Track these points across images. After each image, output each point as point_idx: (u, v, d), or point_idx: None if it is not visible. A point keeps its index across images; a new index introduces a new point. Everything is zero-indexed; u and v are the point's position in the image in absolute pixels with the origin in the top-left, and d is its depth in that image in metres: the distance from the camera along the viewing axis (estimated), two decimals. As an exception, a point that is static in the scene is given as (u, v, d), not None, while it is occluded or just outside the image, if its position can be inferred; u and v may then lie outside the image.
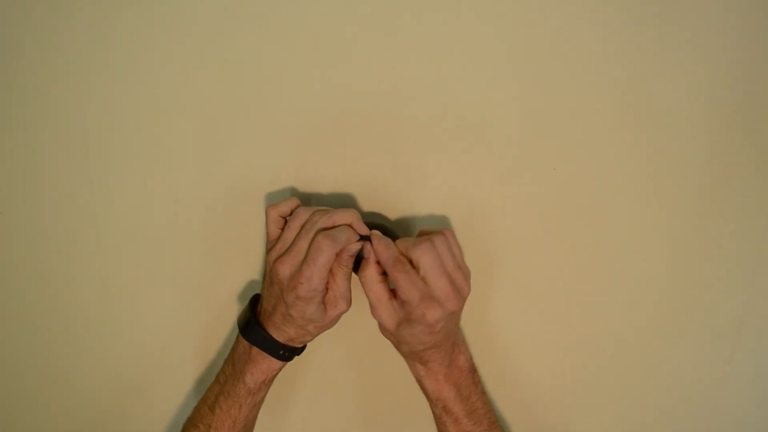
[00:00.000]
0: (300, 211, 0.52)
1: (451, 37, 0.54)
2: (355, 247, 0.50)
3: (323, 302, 0.50)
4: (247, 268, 0.61)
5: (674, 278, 0.60)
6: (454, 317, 0.50)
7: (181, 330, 0.64)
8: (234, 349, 0.56)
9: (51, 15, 0.55)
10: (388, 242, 0.50)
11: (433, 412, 0.56)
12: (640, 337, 0.62)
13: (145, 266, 0.61)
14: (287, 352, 0.53)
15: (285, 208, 0.53)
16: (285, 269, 0.49)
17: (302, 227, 0.50)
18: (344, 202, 0.59)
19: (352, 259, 0.50)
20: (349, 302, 0.51)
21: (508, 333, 0.62)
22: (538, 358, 0.63)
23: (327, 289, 0.50)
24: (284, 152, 0.58)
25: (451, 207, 0.59)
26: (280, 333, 0.52)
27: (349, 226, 0.50)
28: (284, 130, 0.57)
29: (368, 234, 0.51)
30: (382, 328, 0.52)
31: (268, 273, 0.52)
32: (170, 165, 0.58)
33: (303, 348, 0.56)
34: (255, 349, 0.53)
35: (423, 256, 0.48)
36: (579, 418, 0.65)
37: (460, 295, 0.50)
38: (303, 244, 0.49)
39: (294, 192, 0.59)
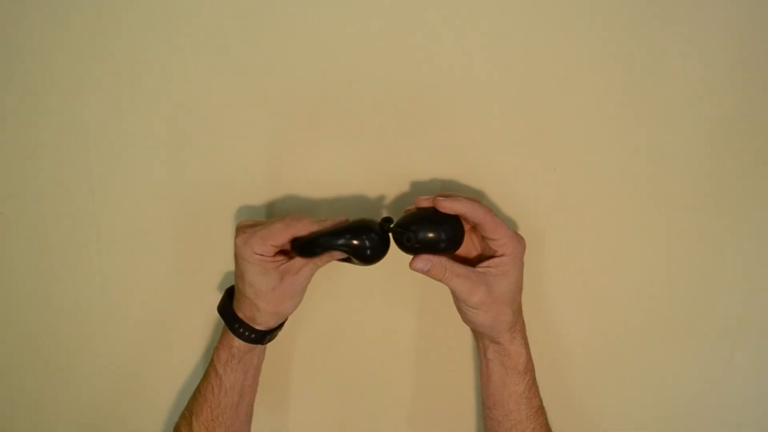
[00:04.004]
0: None
1: (452, 38, 0.54)
2: (335, 255, 0.50)
3: (265, 268, 0.50)
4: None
5: (674, 278, 0.60)
6: None
7: (182, 326, 0.64)
8: None
9: (50, 15, 0.55)
10: (461, 200, 0.50)
11: (511, 395, 0.54)
12: (639, 338, 0.62)
13: (145, 265, 0.61)
14: (242, 328, 0.53)
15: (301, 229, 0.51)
16: (243, 222, 0.53)
17: None
18: (340, 196, 0.59)
19: (327, 262, 0.51)
20: (301, 285, 0.52)
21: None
22: (534, 357, 0.63)
23: (284, 259, 0.51)
24: (284, 146, 0.58)
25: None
26: (237, 305, 0.53)
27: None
28: (282, 125, 0.57)
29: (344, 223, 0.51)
30: (479, 311, 0.51)
31: None
32: (170, 162, 0.58)
33: (263, 336, 0.54)
34: (223, 326, 0.54)
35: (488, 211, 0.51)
36: (578, 418, 0.65)
37: None
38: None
39: (299, 191, 0.59)
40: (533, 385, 0.55)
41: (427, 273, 0.50)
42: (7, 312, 0.63)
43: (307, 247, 0.51)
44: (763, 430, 0.65)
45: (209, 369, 0.55)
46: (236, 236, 0.51)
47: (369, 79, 0.56)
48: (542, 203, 0.59)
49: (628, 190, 0.58)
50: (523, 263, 0.53)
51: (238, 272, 0.52)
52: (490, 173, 0.58)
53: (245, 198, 0.59)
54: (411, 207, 0.53)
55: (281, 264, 0.51)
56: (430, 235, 0.50)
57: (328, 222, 0.51)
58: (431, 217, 0.50)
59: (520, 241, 0.52)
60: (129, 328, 0.63)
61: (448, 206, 0.50)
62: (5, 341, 0.64)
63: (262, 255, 0.50)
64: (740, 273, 0.60)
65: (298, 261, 0.51)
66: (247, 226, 0.52)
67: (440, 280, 0.51)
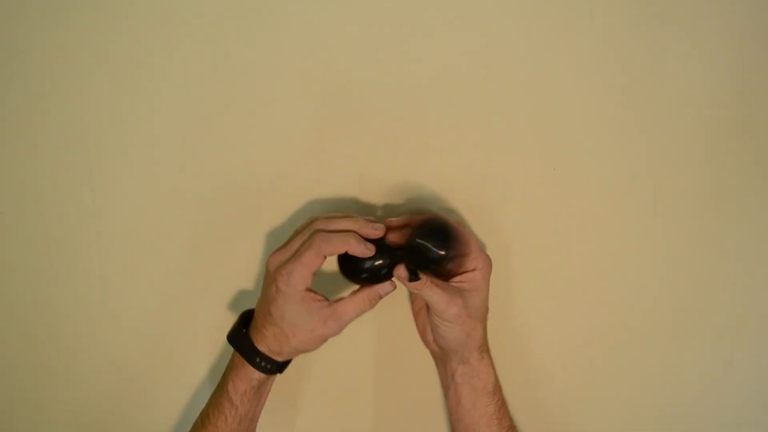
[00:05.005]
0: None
1: (452, 37, 0.54)
2: (387, 289, 0.51)
3: (310, 308, 0.49)
4: (251, 267, 0.61)
5: (674, 278, 0.60)
6: None
7: (182, 327, 0.64)
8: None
9: (50, 15, 0.55)
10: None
11: (482, 417, 0.54)
12: (639, 338, 0.62)
13: (146, 266, 0.61)
14: (263, 362, 0.51)
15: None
16: (274, 261, 0.50)
17: (302, 230, 0.51)
18: (343, 197, 0.59)
19: (378, 300, 0.51)
20: (340, 330, 0.51)
21: (504, 333, 0.62)
22: (532, 359, 0.63)
23: (330, 303, 0.50)
24: (285, 147, 0.58)
25: (450, 207, 0.59)
26: (260, 338, 0.51)
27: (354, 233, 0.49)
28: (284, 127, 0.57)
29: (380, 236, 0.50)
30: (454, 325, 0.51)
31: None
32: (171, 165, 0.58)
33: (284, 365, 0.53)
34: (237, 356, 0.52)
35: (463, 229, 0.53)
36: (578, 418, 0.65)
37: None
38: (296, 243, 0.50)
39: (299, 191, 0.59)
40: (503, 405, 0.55)
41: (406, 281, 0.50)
42: (7, 312, 0.63)
43: (353, 273, 0.51)
44: (763, 430, 0.65)
45: (222, 399, 0.52)
46: (276, 280, 0.49)
47: (369, 80, 0.56)
48: (542, 203, 0.59)
49: (628, 190, 0.58)
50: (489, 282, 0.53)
51: (277, 312, 0.49)
52: (490, 173, 0.58)
53: (246, 198, 0.59)
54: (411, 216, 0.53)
55: (325, 307, 0.50)
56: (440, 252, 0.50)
57: (356, 240, 0.49)
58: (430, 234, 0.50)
59: (488, 258, 0.53)
60: (129, 329, 0.63)
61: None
62: (5, 341, 0.64)
63: (307, 290, 0.49)
64: (740, 273, 0.60)
65: (341, 306, 0.50)
66: (281, 266, 0.49)
67: (419, 291, 0.50)
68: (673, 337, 0.62)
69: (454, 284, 0.51)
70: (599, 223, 0.59)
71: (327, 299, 0.51)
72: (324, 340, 0.51)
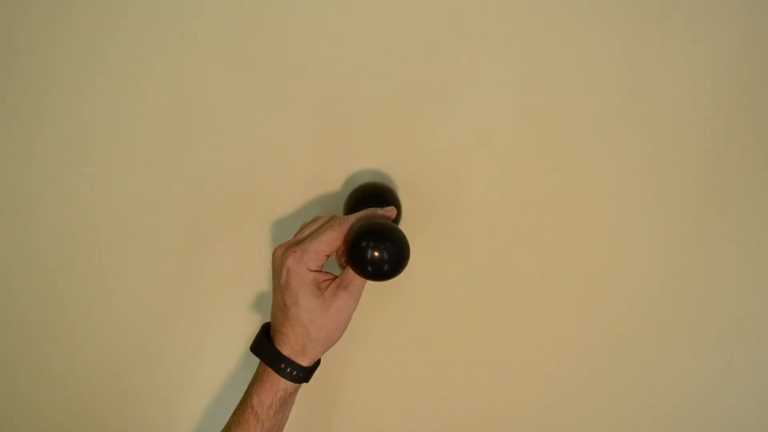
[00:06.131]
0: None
1: (452, 38, 0.54)
2: None
3: (321, 288, 0.49)
4: (251, 265, 0.61)
5: (674, 278, 0.60)
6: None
7: (182, 328, 0.64)
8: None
9: (50, 15, 0.55)
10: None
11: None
12: (639, 338, 0.62)
13: (145, 264, 0.61)
14: (290, 368, 0.49)
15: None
16: (281, 249, 0.50)
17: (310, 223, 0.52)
18: (340, 201, 0.59)
19: None
20: (355, 301, 0.49)
21: (505, 333, 0.62)
22: (535, 358, 0.63)
23: (335, 277, 0.50)
24: (286, 146, 0.58)
25: (451, 206, 0.59)
26: (282, 339, 0.49)
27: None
28: (284, 125, 0.57)
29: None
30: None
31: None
32: (171, 164, 0.58)
33: (310, 371, 0.51)
34: (261, 366, 0.50)
35: None
36: (579, 419, 0.65)
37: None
38: (306, 232, 0.50)
39: (298, 189, 0.59)
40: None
41: None
42: (6, 312, 0.63)
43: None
44: (763, 430, 0.64)
45: (246, 414, 0.50)
46: (286, 258, 0.48)
47: (370, 79, 0.56)
48: (542, 203, 0.59)
49: (628, 190, 0.58)
50: None
51: (291, 298, 0.48)
52: (490, 173, 0.58)
53: (247, 197, 0.59)
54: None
55: (330, 283, 0.49)
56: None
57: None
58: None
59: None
60: (129, 328, 0.63)
61: None
62: (5, 341, 0.64)
63: (317, 271, 0.48)
64: (740, 273, 0.60)
65: (347, 275, 0.49)
66: (291, 245, 0.49)
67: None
68: (673, 337, 0.62)
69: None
70: (599, 223, 0.59)
71: (329, 275, 0.50)
72: (345, 320, 0.49)
